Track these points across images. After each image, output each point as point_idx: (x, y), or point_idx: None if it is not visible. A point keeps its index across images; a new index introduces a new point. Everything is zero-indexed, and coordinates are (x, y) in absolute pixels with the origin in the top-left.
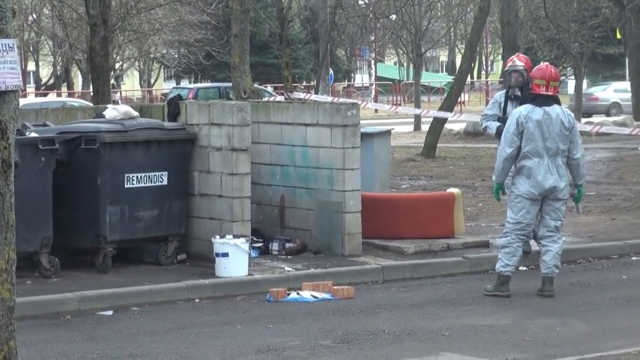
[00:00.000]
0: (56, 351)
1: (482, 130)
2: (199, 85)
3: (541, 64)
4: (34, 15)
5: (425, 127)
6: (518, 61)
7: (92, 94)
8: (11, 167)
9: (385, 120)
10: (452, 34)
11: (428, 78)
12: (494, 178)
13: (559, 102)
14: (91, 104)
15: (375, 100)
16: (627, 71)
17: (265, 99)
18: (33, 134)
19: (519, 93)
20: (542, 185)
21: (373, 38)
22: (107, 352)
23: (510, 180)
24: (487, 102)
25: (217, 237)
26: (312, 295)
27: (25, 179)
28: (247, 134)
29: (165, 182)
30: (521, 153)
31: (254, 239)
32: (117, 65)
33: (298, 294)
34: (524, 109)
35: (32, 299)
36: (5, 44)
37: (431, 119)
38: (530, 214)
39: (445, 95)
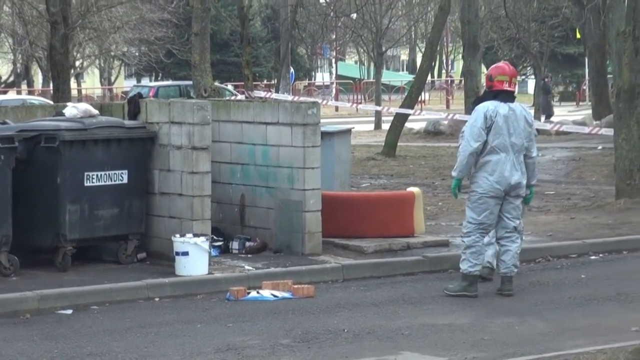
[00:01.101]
0: (15, 350)
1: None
2: (159, 83)
3: (500, 62)
4: None
5: (385, 126)
6: None
7: (52, 91)
8: None
9: (346, 119)
10: (412, 33)
11: (389, 77)
12: (454, 174)
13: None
14: (51, 102)
15: (336, 99)
16: (586, 70)
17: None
18: None
19: None
20: (508, 180)
21: (334, 37)
22: (67, 351)
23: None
24: (447, 102)
25: (177, 235)
26: (272, 294)
27: None
28: (207, 132)
29: (125, 180)
30: (487, 147)
31: (214, 237)
32: (77, 63)
33: (258, 292)
34: (490, 104)
35: None
36: None
37: (391, 118)
38: (493, 215)
39: (406, 94)
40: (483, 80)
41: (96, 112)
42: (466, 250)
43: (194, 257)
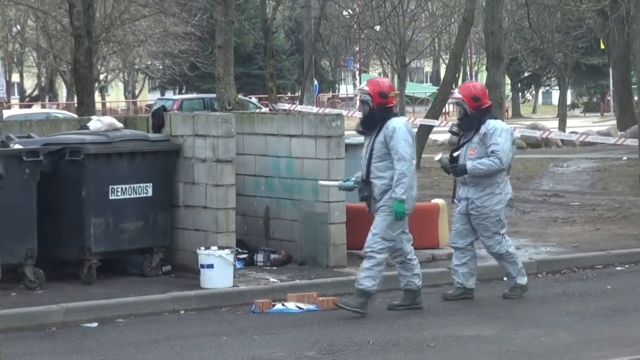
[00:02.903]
0: None
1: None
2: (183, 96)
3: (377, 78)
4: (18, 26)
5: None
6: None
7: (76, 105)
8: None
9: None
10: (436, 44)
11: (412, 89)
12: (404, 197)
13: None
14: (75, 116)
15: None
16: (610, 81)
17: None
18: (17, 146)
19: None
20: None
21: (357, 49)
22: None
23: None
24: None
25: (202, 248)
26: (297, 307)
27: (10, 190)
28: (231, 145)
29: (149, 193)
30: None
31: (239, 250)
32: (101, 77)
33: (283, 305)
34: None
35: (17, 311)
36: None
37: (415, 130)
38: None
39: (430, 105)
40: (507, 91)
41: (120, 125)
42: (375, 267)
43: (219, 269)
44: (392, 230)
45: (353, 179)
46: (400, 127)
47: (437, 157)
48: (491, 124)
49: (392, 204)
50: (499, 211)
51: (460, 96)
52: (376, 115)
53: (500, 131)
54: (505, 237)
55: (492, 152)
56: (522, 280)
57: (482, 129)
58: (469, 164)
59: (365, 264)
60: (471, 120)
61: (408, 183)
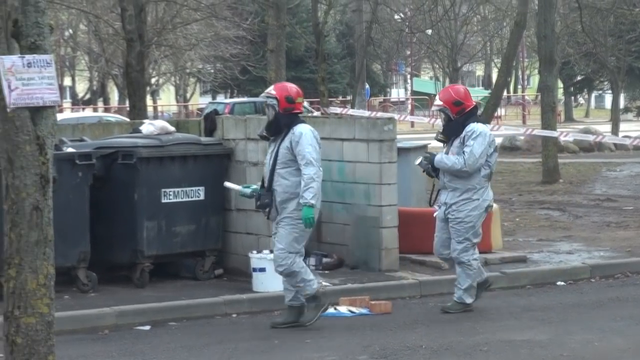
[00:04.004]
0: None
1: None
2: (234, 100)
3: (285, 83)
4: (70, 30)
5: None
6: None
7: (128, 109)
8: (49, 182)
9: (422, 135)
10: (488, 48)
11: None
12: (314, 201)
13: None
14: (127, 119)
15: (412, 115)
16: None
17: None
18: (70, 149)
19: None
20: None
21: (409, 52)
22: None
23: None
24: (523, 117)
25: (254, 252)
26: (350, 310)
27: (63, 194)
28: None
29: (202, 197)
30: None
31: None
32: (153, 80)
33: (335, 309)
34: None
35: (70, 314)
36: (43, 60)
37: None
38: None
39: (482, 109)
40: (560, 94)
41: (173, 129)
42: (301, 276)
43: (271, 273)
44: (299, 242)
45: (254, 186)
46: (306, 132)
47: (417, 161)
48: (470, 126)
49: (299, 214)
50: (473, 217)
51: (441, 103)
52: (282, 120)
53: (477, 135)
54: (475, 249)
55: (463, 152)
56: (468, 299)
57: (463, 132)
58: (438, 156)
59: (291, 280)
60: (455, 125)
61: (317, 188)
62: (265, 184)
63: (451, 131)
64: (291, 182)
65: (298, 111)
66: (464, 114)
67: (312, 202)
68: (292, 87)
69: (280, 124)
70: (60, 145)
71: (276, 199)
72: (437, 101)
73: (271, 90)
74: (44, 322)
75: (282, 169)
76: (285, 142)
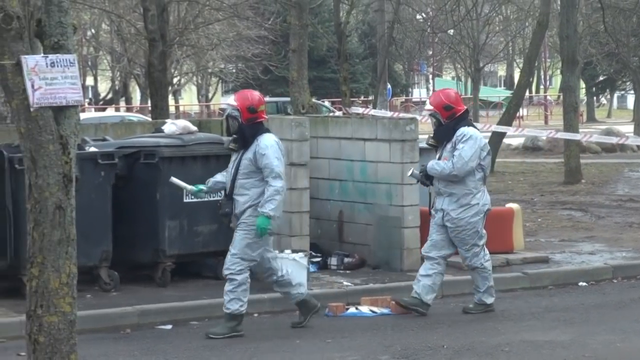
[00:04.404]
0: None
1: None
2: None
3: (246, 91)
4: (93, 30)
5: None
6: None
7: (150, 108)
8: (72, 181)
9: None
10: (510, 48)
11: (486, 93)
12: (277, 213)
13: None
14: (149, 119)
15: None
16: None
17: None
18: (92, 149)
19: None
20: None
21: (431, 52)
22: None
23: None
24: (545, 118)
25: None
26: (371, 310)
27: (85, 193)
28: (305, 148)
29: (224, 196)
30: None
31: (313, 253)
32: (175, 80)
33: (357, 308)
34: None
35: (92, 313)
36: (66, 60)
37: (490, 134)
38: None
39: (504, 110)
40: (582, 95)
41: (195, 128)
42: (237, 289)
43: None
44: (252, 249)
45: (201, 186)
46: (272, 144)
47: (409, 172)
48: (461, 130)
49: (255, 220)
50: (475, 223)
51: (431, 107)
52: (246, 131)
53: (468, 138)
54: (485, 249)
55: (453, 156)
56: (488, 299)
57: (454, 137)
58: (429, 163)
59: (228, 287)
60: (445, 130)
61: (280, 201)
62: (227, 192)
63: (442, 135)
64: (252, 193)
65: (261, 120)
66: (454, 118)
67: (271, 214)
68: (255, 95)
69: (246, 135)
70: (82, 144)
71: (236, 208)
72: (428, 106)
73: (233, 100)
74: (66, 320)
75: (244, 179)
76: (249, 154)
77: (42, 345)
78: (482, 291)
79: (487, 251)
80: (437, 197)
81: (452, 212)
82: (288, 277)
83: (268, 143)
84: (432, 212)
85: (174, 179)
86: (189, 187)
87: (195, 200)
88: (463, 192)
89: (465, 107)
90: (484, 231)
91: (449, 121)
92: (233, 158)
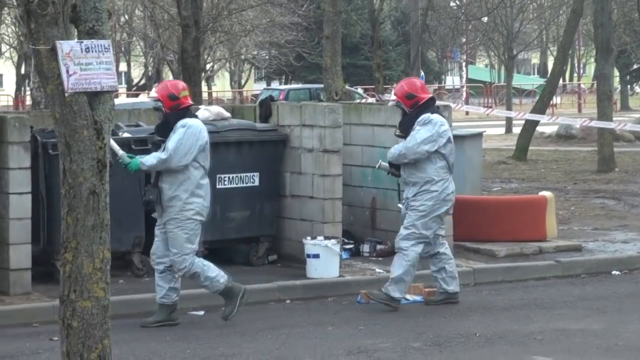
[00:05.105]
0: (148, 350)
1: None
2: (289, 86)
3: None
4: (126, 16)
5: (516, 130)
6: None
7: None
8: (106, 167)
9: (476, 123)
10: (544, 36)
11: (519, 80)
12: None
13: None
14: None
15: (467, 103)
16: None
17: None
18: (126, 134)
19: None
20: None
21: (464, 40)
22: (199, 352)
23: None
24: (579, 106)
25: (308, 238)
26: (403, 298)
27: (118, 179)
28: (338, 135)
29: (256, 183)
30: (202, 171)
31: (345, 240)
32: (208, 67)
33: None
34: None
35: (125, 298)
36: (100, 45)
37: (523, 122)
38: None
39: (537, 97)
40: (616, 83)
41: (228, 114)
42: (203, 268)
43: (325, 259)
44: (191, 242)
45: (137, 158)
46: (186, 127)
47: (377, 165)
48: (423, 116)
49: (185, 215)
50: (427, 207)
51: (395, 97)
52: (171, 119)
53: (427, 122)
54: (422, 243)
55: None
56: (394, 291)
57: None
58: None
59: (196, 282)
60: (409, 120)
61: (156, 166)
62: (152, 180)
63: (407, 125)
64: (178, 180)
65: (186, 105)
66: (418, 107)
67: (145, 165)
68: (175, 83)
69: (171, 123)
70: (116, 130)
71: (162, 197)
72: (392, 96)
73: (153, 92)
74: (99, 306)
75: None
76: None
77: (75, 330)
78: (391, 277)
79: (421, 246)
80: (405, 187)
81: (412, 197)
82: (175, 277)
83: (183, 125)
84: (400, 204)
85: (112, 142)
86: (122, 153)
87: (228, 186)
88: (424, 180)
89: (431, 95)
90: (433, 225)
91: (412, 110)
92: (163, 146)
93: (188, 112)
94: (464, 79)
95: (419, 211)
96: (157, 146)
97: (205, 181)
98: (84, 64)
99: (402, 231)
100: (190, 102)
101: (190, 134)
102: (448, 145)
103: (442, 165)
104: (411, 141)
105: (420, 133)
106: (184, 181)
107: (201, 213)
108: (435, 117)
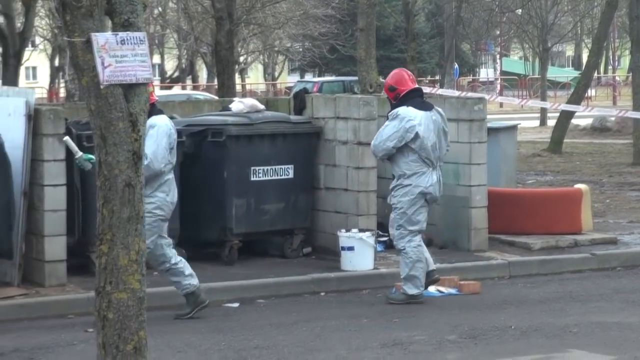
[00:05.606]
0: (183, 342)
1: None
2: (323, 79)
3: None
4: (160, 8)
5: (551, 123)
6: None
7: (216, 87)
8: (141, 159)
9: (510, 115)
10: (578, 28)
11: (554, 73)
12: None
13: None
14: (216, 97)
15: (501, 95)
16: None
17: None
18: None
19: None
20: None
21: (498, 32)
22: (234, 344)
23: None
24: (614, 98)
25: (343, 230)
26: (438, 290)
27: None
28: (373, 127)
29: (291, 175)
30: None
31: (380, 233)
32: (241, 59)
33: (424, 289)
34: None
35: (159, 290)
36: (136, 37)
37: (557, 115)
38: None
39: (572, 90)
40: None
41: (262, 107)
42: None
43: (360, 252)
44: (150, 235)
45: (92, 157)
46: (154, 126)
47: None
48: (394, 110)
49: (147, 207)
50: (404, 203)
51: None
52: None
53: (395, 117)
54: (415, 236)
55: None
56: (411, 289)
57: None
58: None
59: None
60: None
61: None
62: None
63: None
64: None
65: (152, 102)
66: (399, 99)
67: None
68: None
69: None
70: None
71: None
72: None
73: None
74: (135, 297)
75: None
76: None
77: (111, 321)
78: (402, 278)
79: (417, 238)
80: None
81: (391, 192)
82: (181, 265)
83: (152, 125)
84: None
85: (68, 139)
86: (80, 153)
87: (262, 178)
88: (398, 174)
89: (412, 87)
90: (419, 218)
91: (395, 102)
92: None
93: (154, 109)
94: (498, 72)
95: (398, 209)
96: (79, 138)
97: (171, 176)
98: (119, 56)
99: (394, 232)
100: (156, 97)
101: (163, 133)
102: (417, 141)
103: (414, 159)
104: (378, 138)
105: (386, 129)
106: (150, 178)
107: (162, 208)
108: (404, 111)
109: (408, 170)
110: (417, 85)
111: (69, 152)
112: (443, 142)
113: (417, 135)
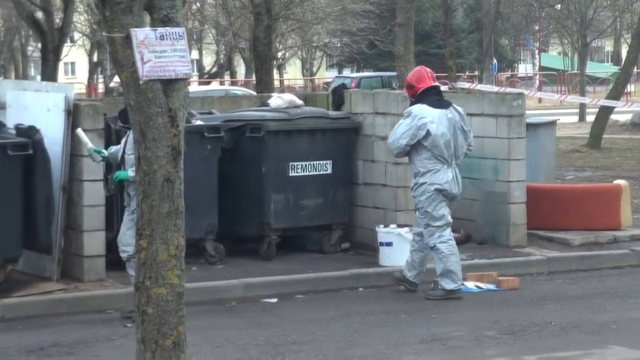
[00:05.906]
0: (222, 337)
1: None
2: (361, 74)
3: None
4: (198, 4)
5: (590, 118)
6: None
7: (254, 82)
8: (180, 154)
9: (549, 111)
10: (618, 23)
11: (593, 68)
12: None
13: None
14: (254, 93)
15: (540, 90)
16: None
17: None
18: (199, 122)
19: None
20: None
21: (537, 27)
22: (272, 339)
23: None
24: None
25: (381, 226)
26: (477, 286)
27: (192, 166)
28: None
29: (329, 170)
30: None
31: None
32: (279, 54)
33: (462, 284)
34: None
35: (198, 285)
36: (175, 33)
37: (596, 110)
38: None
39: (611, 85)
40: None
41: (301, 102)
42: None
43: (398, 247)
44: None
45: (104, 151)
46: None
47: None
48: (407, 109)
49: None
50: (423, 202)
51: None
52: None
53: (407, 115)
54: (443, 230)
55: None
56: (448, 284)
57: None
58: None
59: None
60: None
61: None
62: (117, 167)
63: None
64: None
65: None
66: (416, 96)
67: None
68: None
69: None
70: (189, 117)
71: (127, 186)
72: None
73: (117, 78)
74: (174, 292)
75: (131, 154)
76: None
77: (150, 316)
78: (438, 274)
79: (446, 233)
80: None
81: (412, 192)
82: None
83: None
84: None
85: (79, 131)
86: (90, 144)
87: (301, 174)
88: (414, 172)
89: (430, 85)
90: (440, 213)
91: (414, 99)
92: (126, 135)
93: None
94: (537, 67)
95: (420, 209)
96: (118, 134)
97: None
98: (159, 51)
99: (424, 230)
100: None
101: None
102: (429, 138)
103: (428, 156)
104: (392, 136)
105: (400, 127)
106: None
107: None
108: (417, 109)
109: (422, 167)
110: (435, 83)
111: (108, 147)
112: (461, 140)
113: (428, 133)
